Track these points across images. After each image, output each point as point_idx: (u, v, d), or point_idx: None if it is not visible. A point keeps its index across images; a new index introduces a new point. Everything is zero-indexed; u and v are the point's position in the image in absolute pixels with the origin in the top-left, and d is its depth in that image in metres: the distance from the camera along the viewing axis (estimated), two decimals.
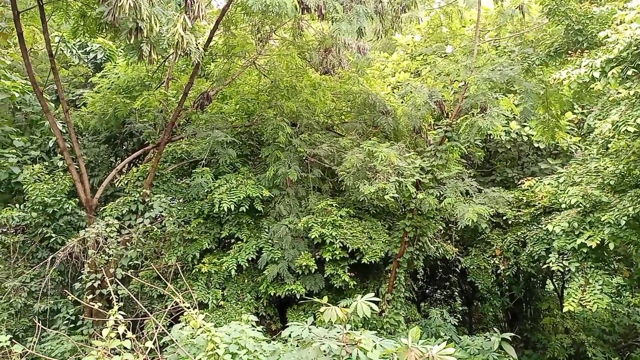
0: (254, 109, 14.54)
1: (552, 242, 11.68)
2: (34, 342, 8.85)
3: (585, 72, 9.07)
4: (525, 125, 15.21)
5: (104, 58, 16.82)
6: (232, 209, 12.34)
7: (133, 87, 14.77)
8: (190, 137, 14.16)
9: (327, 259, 12.29)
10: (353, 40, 15.14)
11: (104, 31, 11.80)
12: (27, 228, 13.72)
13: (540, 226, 12.98)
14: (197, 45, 9.79)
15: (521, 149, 16.13)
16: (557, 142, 14.45)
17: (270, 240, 12.70)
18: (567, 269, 11.45)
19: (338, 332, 5.94)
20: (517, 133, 15.23)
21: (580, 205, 10.82)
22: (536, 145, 15.26)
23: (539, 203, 13.62)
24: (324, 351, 5.72)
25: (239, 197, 12.45)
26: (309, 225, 12.33)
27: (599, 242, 10.44)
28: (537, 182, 12.93)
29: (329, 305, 5.80)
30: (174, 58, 14.20)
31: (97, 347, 5.84)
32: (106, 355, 5.74)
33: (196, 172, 13.22)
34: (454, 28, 14.80)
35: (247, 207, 12.69)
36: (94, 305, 7.15)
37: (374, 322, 12.05)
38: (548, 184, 12.16)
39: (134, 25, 9.02)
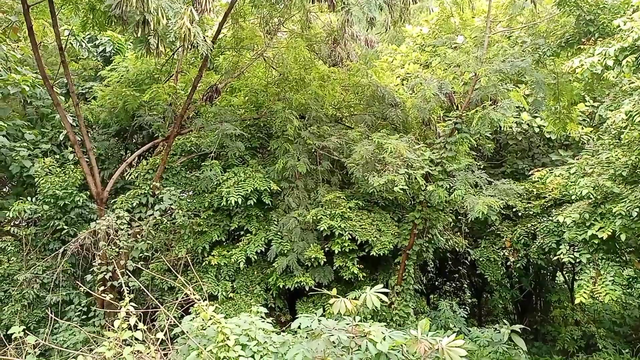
0: (263, 102, 14.53)
1: (563, 234, 11.63)
2: (47, 333, 8.98)
3: (599, 60, 8.97)
4: (536, 116, 15.09)
5: (113, 51, 16.85)
6: (240, 202, 12.38)
7: (142, 81, 14.81)
8: (200, 130, 14.19)
9: (336, 251, 12.31)
10: (361, 32, 15.08)
11: (112, 24, 11.82)
12: (39, 220, 13.86)
13: (550, 218, 12.91)
14: (204, 38, 9.78)
15: (532, 141, 16.00)
16: (569, 134, 14.34)
17: (279, 233, 12.73)
18: (577, 260, 11.39)
19: (347, 324, 5.95)
20: (528, 124, 15.11)
21: (592, 196, 10.74)
22: (547, 136, 15.13)
23: (549, 195, 13.54)
24: (334, 342, 5.74)
25: (247, 190, 12.46)
26: (318, 217, 12.34)
27: (610, 234, 10.37)
28: (547, 172, 12.84)
29: (338, 297, 5.82)
30: (182, 51, 14.22)
31: (109, 338, 5.90)
32: (118, 346, 5.80)
33: (205, 165, 13.25)
34: (465, 18, 14.67)
35: (255, 200, 12.72)
36: (105, 297, 7.22)
37: (383, 314, 12.07)
38: (559, 175, 12.07)
39: (141, 18, 9.05)
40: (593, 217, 10.84)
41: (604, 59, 8.91)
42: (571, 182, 11.55)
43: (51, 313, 8.82)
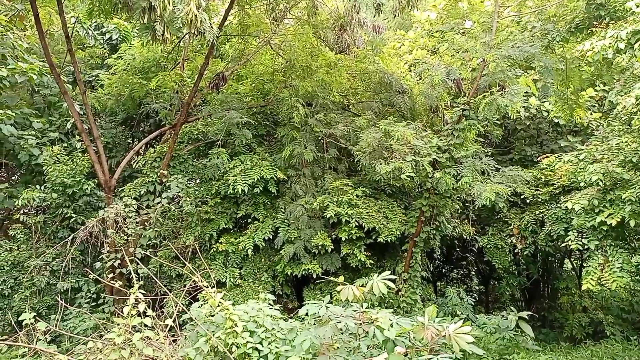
0: (270, 89, 14.48)
1: (571, 221, 11.57)
2: (57, 320, 9.08)
3: (610, 43, 8.85)
4: (544, 101, 14.95)
5: (119, 39, 16.83)
6: (247, 190, 12.39)
7: (149, 68, 14.78)
8: (206, 118, 14.18)
9: (343, 239, 12.32)
10: (369, 18, 14.95)
11: (118, 11, 11.79)
12: (48, 209, 13.96)
13: (559, 205, 12.83)
14: (210, 24, 9.72)
15: (540, 127, 15.86)
16: (577, 120, 14.20)
17: (286, 220, 12.75)
18: (585, 247, 11.35)
19: (355, 311, 5.97)
20: (536, 109, 14.98)
21: (601, 182, 10.66)
22: (556, 122, 14.99)
23: (557, 182, 13.45)
24: (341, 329, 5.77)
25: (253, 178, 12.48)
26: (325, 204, 12.34)
27: (619, 220, 10.31)
28: (556, 158, 12.74)
29: (345, 284, 5.82)
30: (189, 38, 14.16)
31: (118, 324, 5.95)
32: (128, 333, 5.86)
33: (212, 153, 13.26)
34: (473, 3, 14.48)
35: (262, 188, 12.74)
36: (114, 284, 7.29)
37: (391, 301, 12.11)
38: (568, 161, 11.98)
39: (147, 4, 9.00)
40: (602, 203, 10.77)
41: (616, 42, 8.79)
42: (580, 168, 11.46)
43: (61, 300, 8.91)
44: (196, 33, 9.61)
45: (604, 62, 9.45)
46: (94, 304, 12.59)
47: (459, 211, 14.41)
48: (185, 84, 14.62)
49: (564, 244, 11.90)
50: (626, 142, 11.01)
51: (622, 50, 8.77)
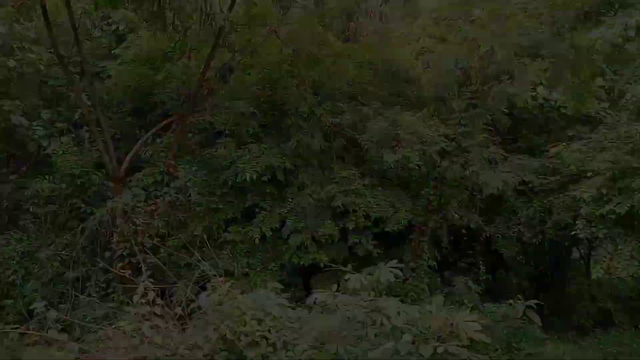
0: (276, 79, 14.43)
1: (580, 210, 11.51)
2: (68, 309, 9.18)
3: (620, 32, 8.73)
4: (552, 91, 14.80)
5: (126, 30, 16.81)
6: (255, 179, 12.40)
7: (156, 59, 14.78)
8: (214, 108, 14.16)
9: (350, 228, 12.32)
10: (376, 7, 14.87)
11: (126, 2, 11.77)
12: (57, 199, 14.03)
13: (567, 194, 12.76)
14: (220, 8, 9.69)
15: (548, 116, 15.73)
16: (587, 109, 14.06)
17: (293, 210, 12.77)
18: (594, 236, 11.30)
19: (362, 299, 5.99)
20: (544, 98, 14.84)
21: (610, 171, 10.58)
22: (564, 110, 14.87)
23: (566, 170, 13.37)
24: (349, 317, 5.79)
25: (262, 167, 12.49)
26: (332, 194, 12.34)
27: (628, 209, 10.24)
28: (564, 147, 12.65)
29: (353, 273, 5.84)
30: (200, 24, 14.10)
31: (128, 313, 6.02)
32: (137, 321, 5.92)
33: (219, 143, 13.27)
34: None
35: (269, 178, 12.74)
36: (124, 273, 7.35)
37: (398, 290, 12.11)
38: (576, 150, 11.90)
39: None
40: (611, 192, 10.70)
41: (625, 29, 8.67)
42: (589, 157, 11.38)
43: (71, 289, 9.00)
44: (206, 17, 9.57)
45: (615, 48, 9.32)
46: (103, 293, 12.69)
47: (467, 200, 14.36)
48: (192, 74, 14.60)
49: (572, 233, 11.86)
50: (636, 130, 10.91)
51: (631, 38, 8.65)
